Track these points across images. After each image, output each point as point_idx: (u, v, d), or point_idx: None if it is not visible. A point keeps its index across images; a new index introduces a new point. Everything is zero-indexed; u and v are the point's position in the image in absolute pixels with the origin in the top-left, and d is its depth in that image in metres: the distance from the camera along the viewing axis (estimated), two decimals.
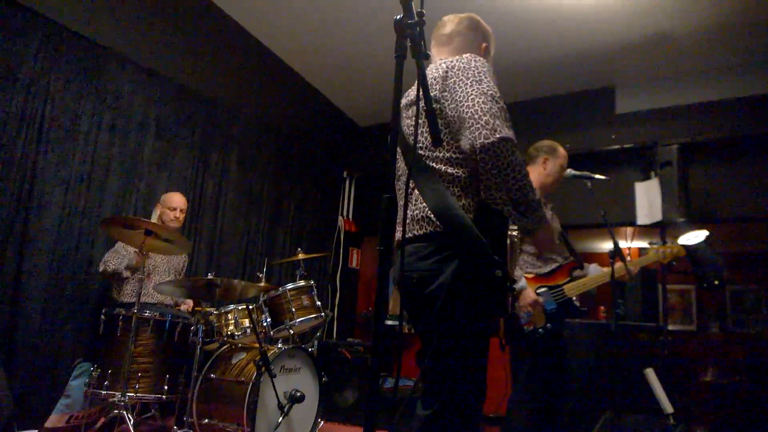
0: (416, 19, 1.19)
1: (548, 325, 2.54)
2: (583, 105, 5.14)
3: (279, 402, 2.78)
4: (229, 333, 3.20)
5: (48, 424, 2.73)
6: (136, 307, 2.80)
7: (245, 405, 2.73)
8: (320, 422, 3.10)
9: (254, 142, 4.80)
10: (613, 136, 4.89)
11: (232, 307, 3.26)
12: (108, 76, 3.52)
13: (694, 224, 4.08)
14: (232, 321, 3.23)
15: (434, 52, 1.79)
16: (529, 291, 2.54)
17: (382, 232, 1.14)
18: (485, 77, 1.48)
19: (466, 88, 1.46)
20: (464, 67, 1.51)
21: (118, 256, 3.26)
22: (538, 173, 2.90)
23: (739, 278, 8.29)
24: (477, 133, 1.40)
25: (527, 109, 5.39)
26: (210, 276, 2.95)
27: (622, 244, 6.84)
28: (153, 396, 2.87)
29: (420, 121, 1.53)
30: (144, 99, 3.76)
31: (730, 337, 8.23)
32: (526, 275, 2.62)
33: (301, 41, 4.72)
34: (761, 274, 8.25)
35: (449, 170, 1.50)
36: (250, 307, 3.17)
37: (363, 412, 1.48)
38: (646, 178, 4.34)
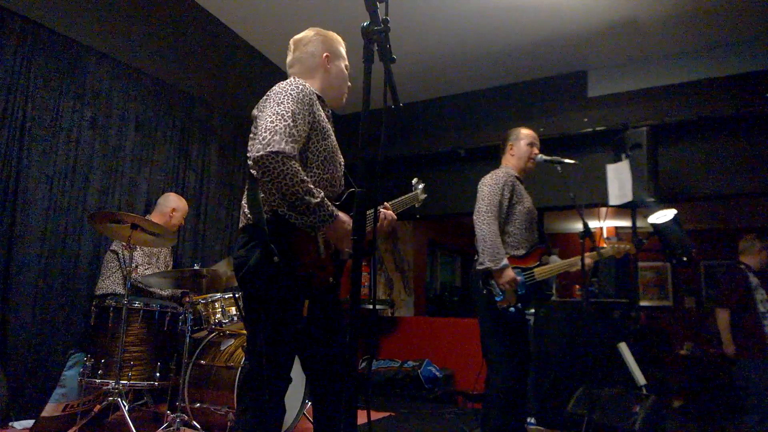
0: (381, 26, 1.30)
1: (519, 305, 2.67)
2: (556, 89, 5.24)
3: None
4: (216, 321, 3.28)
5: (44, 413, 2.80)
6: (125, 298, 2.88)
7: (235, 388, 2.84)
8: (307, 403, 3.22)
9: (233, 134, 4.84)
10: (586, 120, 5.02)
11: (218, 296, 3.33)
12: (86, 72, 3.55)
13: (664, 204, 4.24)
14: (219, 309, 3.30)
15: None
16: (509, 270, 2.65)
17: (354, 223, 1.28)
18: (287, 99, 1.68)
19: (268, 110, 1.66)
20: (277, 91, 1.73)
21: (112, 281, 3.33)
22: (510, 160, 3.02)
23: (711, 254, 8.56)
24: (253, 147, 1.62)
25: (501, 94, 5.48)
26: (196, 267, 3.04)
27: (596, 223, 7.04)
28: (146, 383, 2.96)
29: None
30: (123, 95, 3.79)
31: (705, 310, 8.52)
32: None
33: (276, 32, 4.75)
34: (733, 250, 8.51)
35: (258, 176, 1.72)
36: (236, 295, 3.24)
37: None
38: (617, 159, 4.48)
